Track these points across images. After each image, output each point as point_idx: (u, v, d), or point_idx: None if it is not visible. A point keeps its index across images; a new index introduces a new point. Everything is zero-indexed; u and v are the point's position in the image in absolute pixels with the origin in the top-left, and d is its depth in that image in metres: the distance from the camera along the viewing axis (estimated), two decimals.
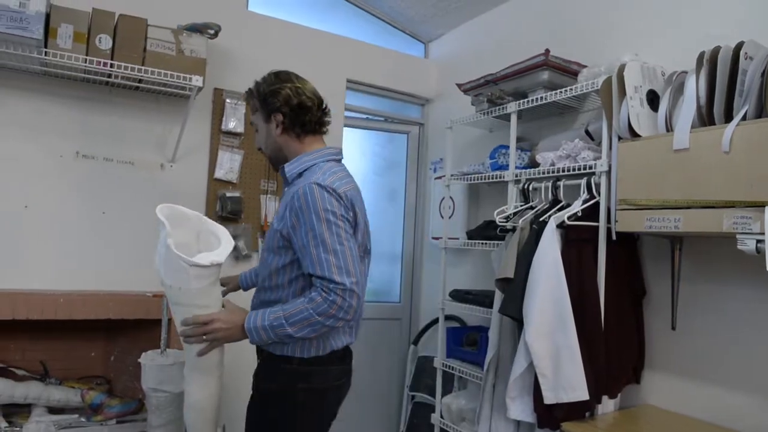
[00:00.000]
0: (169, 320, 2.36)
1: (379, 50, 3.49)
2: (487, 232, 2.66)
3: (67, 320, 2.37)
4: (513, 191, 2.44)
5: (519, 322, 2.00)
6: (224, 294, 2.02)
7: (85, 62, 2.29)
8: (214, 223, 1.81)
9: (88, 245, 2.58)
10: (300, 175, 1.65)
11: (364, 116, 3.66)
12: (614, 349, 2.00)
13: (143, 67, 2.39)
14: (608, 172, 2.03)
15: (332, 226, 1.50)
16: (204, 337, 1.55)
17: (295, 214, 1.53)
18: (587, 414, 1.98)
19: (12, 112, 2.45)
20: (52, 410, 2.41)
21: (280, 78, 1.71)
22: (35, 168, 2.49)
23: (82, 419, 2.41)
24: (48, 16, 2.22)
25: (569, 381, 1.87)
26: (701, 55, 1.75)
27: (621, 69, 1.97)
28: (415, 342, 3.41)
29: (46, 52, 2.22)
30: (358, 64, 3.37)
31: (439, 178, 3.31)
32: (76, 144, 2.57)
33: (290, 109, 1.67)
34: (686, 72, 1.84)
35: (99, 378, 2.66)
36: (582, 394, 1.87)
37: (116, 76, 2.42)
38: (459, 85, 2.80)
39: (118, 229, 2.65)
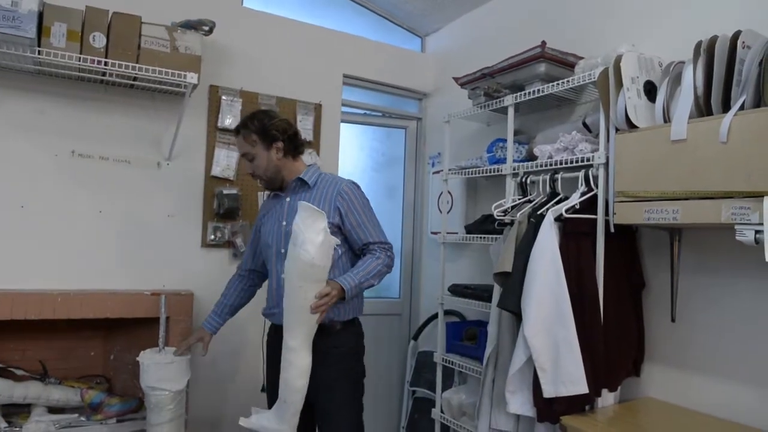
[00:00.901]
0: (167, 318, 2.36)
1: (376, 45, 3.47)
2: (485, 226, 2.65)
3: (65, 320, 2.37)
4: (511, 185, 2.43)
5: (518, 316, 1.99)
6: (205, 350, 2.31)
7: (80, 60, 2.28)
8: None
9: (85, 244, 2.57)
10: (315, 182, 2.14)
11: (362, 111, 3.64)
12: (613, 342, 1.99)
13: (138, 65, 2.38)
14: (606, 164, 2.02)
15: (371, 208, 2.15)
16: (329, 303, 1.92)
17: (347, 204, 2.07)
18: (587, 407, 1.97)
19: (6, 112, 2.44)
20: (52, 410, 2.42)
21: (269, 115, 2.16)
22: (31, 167, 2.48)
23: (82, 418, 2.41)
24: (41, 15, 2.20)
25: (568, 375, 1.86)
26: (698, 44, 1.74)
27: (618, 60, 1.95)
28: (415, 337, 3.41)
29: (39, 51, 2.21)
30: (354, 59, 3.36)
31: (437, 172, 3.29)
32: (71, 143, 2.56)
33: (288, 138, 2.13)
34: (683, 62, 1.82)
35: (98, 377, 2.66)
36: (581, 387, 1.86)
37: (111, 74, 2.41)
38: (456, 79, 2.78)
39: (116, 228, 2.64)
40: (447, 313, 2.94)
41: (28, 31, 2.13)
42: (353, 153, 3.68)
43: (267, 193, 2.93)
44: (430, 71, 3.65)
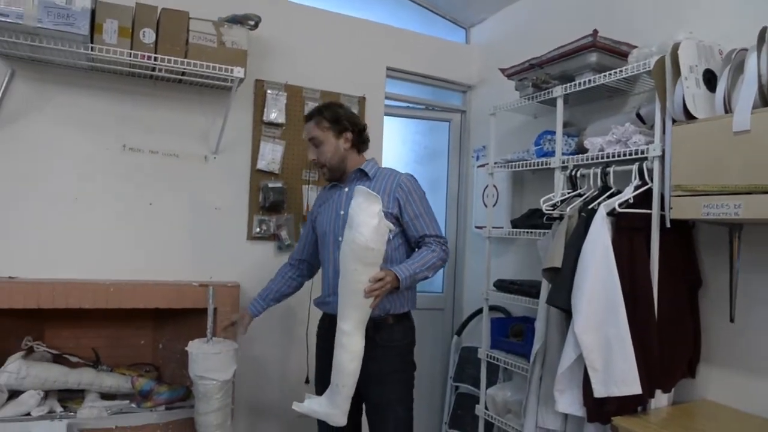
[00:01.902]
0: (215, 309, 2.40)
1: (420, 37, 3.43)
2: (532, 220, 2.59)
3: (117, 309, 2.44)
4: (560, 178, 2.37)
5: (567, 313, 1.94)
6: (244, 330, 2.36)
7: (130, 56, 2.32)
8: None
9: (135, 236, 2.64)
10: (374, 174, 2.18)
11: (405, 105, 3.62)
12: (668, 341, 1.92)
13: (186, 60, 2.41)
14: (662, 157, 1.94)
15: (428, 202, 2.17)
16: (383, 289, 1.92)
17: (405, 195, 2.11)
18: (639, 408, 1.91)
19: (61, 108, 2.52)
20: (104, 396, 2.49)
21: (342, 106, 2.26)
22: (84, 161, 2.55)
23: (133, 405, 2.47)
24: (93, 12, 2.25)
25: (621, 374, 1.81)
26: (763, 30, 1.65)
27: (675, 48, 1.87)
28: (459, 332, 3.37)
29: (92, 47, 2.26)
30: (398, 52, 3.33)
31: (482, 166, 3.24)
32: (122, 137, 2.62)
33: (357, 130, 2.21)
34: (746, 49, 1.73)
35: (148, 365, 2.72)
36: (634, 388, 1.80)
37: (160, 70, 2.45)
38: (502, 70, 2.73)
39: (165, 220, 2.69)
40: (492, 308, 2.89)
41: (81, 28, 2.18)
42: (395, 146, 3.66)
43: (311, 186, 2.99)
44: (474, 63, 3.59)
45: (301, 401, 2.07)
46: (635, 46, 2.25)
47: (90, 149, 2.57)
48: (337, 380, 1.96)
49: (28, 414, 2.28)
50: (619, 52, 2.30)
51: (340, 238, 2.06)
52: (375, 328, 2.04)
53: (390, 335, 2.10)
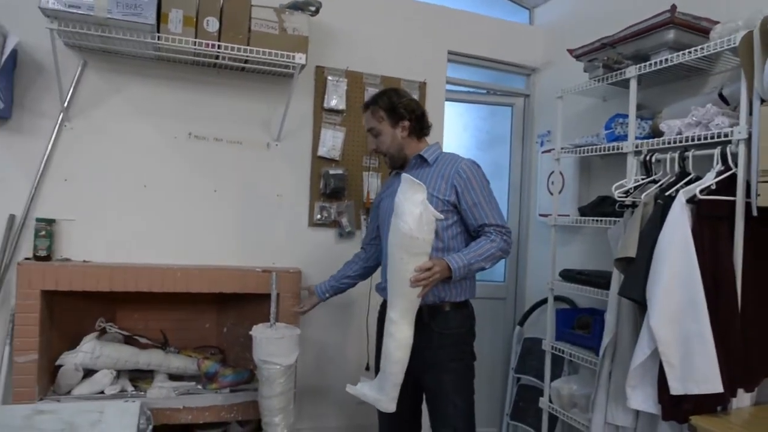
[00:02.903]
0: (278, 295, 2.42)
1: (482, 19, 3.34)
2: (602, 208, 2.49)
3: (183, 293, 2.50)
4: (632, 164, 2.25)
5: (641, 306, 1.85)
6: (306, 311, 2.43)
7: (195, 45, 2.35)
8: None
9: (201, 222, 2.69)
10: (435, 160, 2.12)
11: (466, 89, 3.54)
12: (752, 338, 1.80)
13: (249, 47, 2.43)
14: (748, 140, 1.80)
15: (491, 190, 2.07)
16: (430, 279, 1.87)
17: (464, 182, 2.02)
18: (719, 408, 1.80)
19: (130, 97, 2.59)
20: (172, 377, 2.57)
21: (398, 93, 2.18)
22: (152, 149, 2.62)
23: (199, 386, 2.54)
24: (159, 2, 2.29)
25: (700, 371, 1.71)
26: None
27: (765, 22, 1.74)
28: (521, 323, 3.29)
29: (158, 36, 2.30)
30: (459, 35, 3.25)
31: (547, 151, 3.13)
32: (188, 125, 2.68)
33: (415, 117, 2.15)
34: None
35: (213, 348, 2.79)
36: (714, 386, 1.70)
37: (223, 58, 2.48)
38: (570, 51, 2.61)
39: (229, 207, 2.74)
40: (556, 299, 2.80)
41: (148, 17, 2.22)
42: (457, 132, 3.59)
43: (371, 172, 2.97)
44: (538, 45, 3.46)
45: (368, 378, 2.09)
46: (717, 22, 2.11)
47: (158, 138, 2.63)
48: (385, 367, 1.97)
49: (102, 392, 2.38)
50: (699, 29, 2.15)
51: None
52: (430, 315, 2.02)
53: (445, 322, 2.05)
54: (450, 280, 1.96)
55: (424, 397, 2.17)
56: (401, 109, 2.13)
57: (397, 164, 2.20)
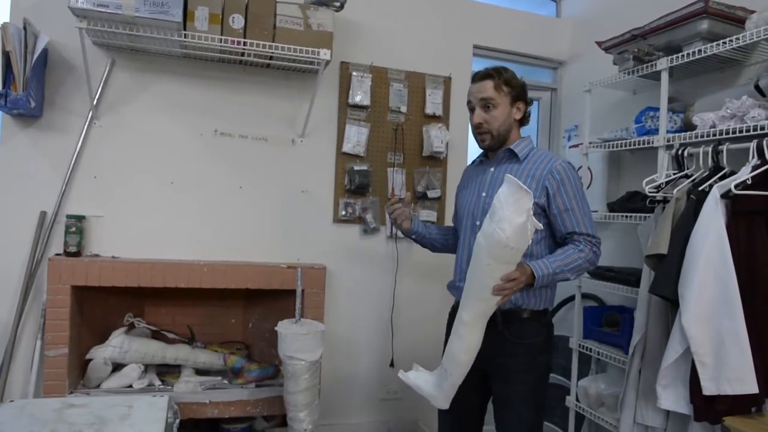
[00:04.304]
0: (303, 291, 2.43)
1: (507, 12, 3.29)
2: (631, 203, 2.43)
3: (210, 289, 2.52)
4: (664, 158, 2.20)
5: (673, 303, 1.80)
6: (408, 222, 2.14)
7: (221, 42, 2.37)
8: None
9: (227, 218, 2.71)
10: (525, 156, 1.95)
11: None
12: None
13: (274, 44, 2.43)
14: None
15: (584, 195, 1.91)
16: (514, 289, 1.76)
17: (557, 185, 1.85)
18: (753, 409, 1.75)
19: (157, 95, 2.62)
20: (198, 371, 2.60)
21: (518, 77, 2.01)
22: (179, 146, 2.65)
23: (225, 381, 2.57)
24: (185, 0, 2.31)
25: (734, 371, 1.66)
26: None
27: None
28: None
29: (185, 34, 2.32)
30: (485, 29, 3.21)
31: (575, 146, 3.08)
32: (214, 122, 2.69)
33: (528, 104, 2.02)
34: None
35: (239, 343, 2.82)
36: (749, 386, 1.65)
37: (249, 54, 2.49)
38: (599, 43, 2.56)
39: (255, 204, 2.76)
40: (584, 296, 2.75)
41: (175, 15, 2.24)
42: None
43: (396, 168, 2.95)
44: (565, 38, 3.40)
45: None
46: (753, 11, 2.04)
47: (184, 135, 2.66)
48: (447, 365, 1.85)
49: (130, 386, 2.42)
50: (733, 18, 2.09)
51: (478, 222, 1.91)
52: (505, 322, 1.88)
53: (520, 331, 1.90)
54: (531, 288, 1.82)
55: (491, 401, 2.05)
56: (523, 91, 1.99)
57: (495, 146, 1.98)
